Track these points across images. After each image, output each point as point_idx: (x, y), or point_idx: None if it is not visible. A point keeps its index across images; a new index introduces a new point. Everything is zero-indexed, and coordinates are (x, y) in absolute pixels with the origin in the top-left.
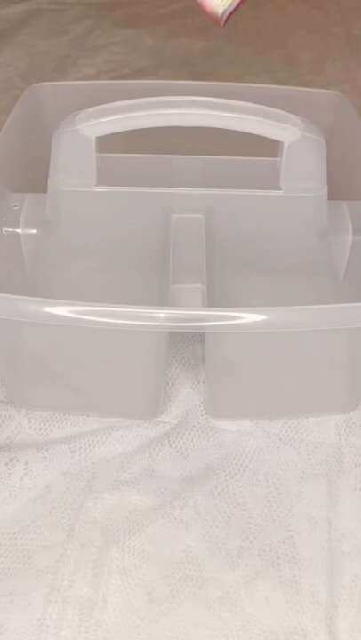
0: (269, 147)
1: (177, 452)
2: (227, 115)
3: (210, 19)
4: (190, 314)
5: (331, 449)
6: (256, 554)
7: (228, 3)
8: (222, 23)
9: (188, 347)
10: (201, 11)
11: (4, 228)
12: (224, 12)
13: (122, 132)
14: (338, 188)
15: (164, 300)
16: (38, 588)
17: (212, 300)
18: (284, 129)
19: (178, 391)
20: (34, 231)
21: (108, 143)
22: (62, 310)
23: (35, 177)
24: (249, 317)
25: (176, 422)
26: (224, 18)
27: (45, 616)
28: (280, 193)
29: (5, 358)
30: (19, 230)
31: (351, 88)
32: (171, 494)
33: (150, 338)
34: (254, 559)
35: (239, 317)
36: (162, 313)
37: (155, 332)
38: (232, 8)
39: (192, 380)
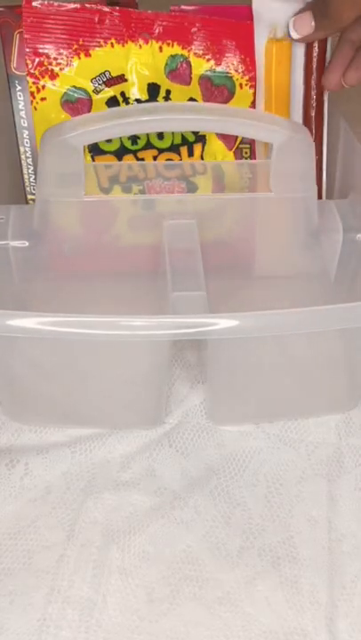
0: None
1: (177, 452)
2: (216, 118)
3: None
4: (199, 321)
5: (331, 449)
6: (256, 554)
7: None
8: None
9: (187, 347)
10: None
11: None
12: None
13: None
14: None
15: (162, 308)
16: (38, 588)
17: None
18: (272, 131)
19: (178, 391)
20: (22, 243)
21: None
22: (68, 323)
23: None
24: (255, 321)
25: (176, 422)
26: None
27: (45, 616)
28: (270, 195)
29: None
30: (6, 243)
31: None
32: (171, 494)
33: (153, 348)
34: (254, 559)
35: (246, 322)
36: (168, 320)
37: (158, 341)
38: None
39: (192, 381)
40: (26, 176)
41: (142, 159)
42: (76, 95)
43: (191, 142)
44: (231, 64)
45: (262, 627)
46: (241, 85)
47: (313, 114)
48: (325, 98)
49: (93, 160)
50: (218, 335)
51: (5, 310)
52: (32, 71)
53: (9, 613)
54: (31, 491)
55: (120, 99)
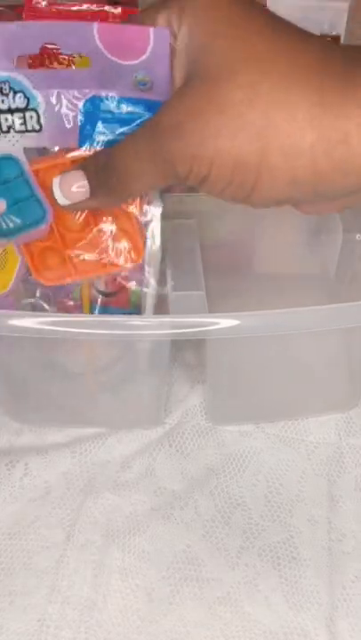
0: None
1: (177, 452)
2: None
3: None
4: (199, 321)
5: (331, 449)
6: (256, 554)
7: None
8: None
9: (187, 347)
10: None
11: None
12: None
13: None
14: None
15: (162, 308)
16: (38, 588)
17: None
18: None
19: (178, 391)
20: None
21: None
22: (69, 322)
23: None
24: (256, 321)
25: (176, 422)
26: None
27: (46, 616)
28: None
29: None
30: None
31: None
32: (171, 494)
33: (153, 347)
34: (254, 559)
35: (247, 322)
36: (169, 320)
37: (158, 341)
38: None
39: (191, 381)
40: None
41: None
42: None
43: None
44: None
45: (262, 627)
46: None
47: None
48: None
49: None
50: (218, 335)
51: (6, 310)
52: None
53: (9, 613)
54: (31, 491)
55: None
